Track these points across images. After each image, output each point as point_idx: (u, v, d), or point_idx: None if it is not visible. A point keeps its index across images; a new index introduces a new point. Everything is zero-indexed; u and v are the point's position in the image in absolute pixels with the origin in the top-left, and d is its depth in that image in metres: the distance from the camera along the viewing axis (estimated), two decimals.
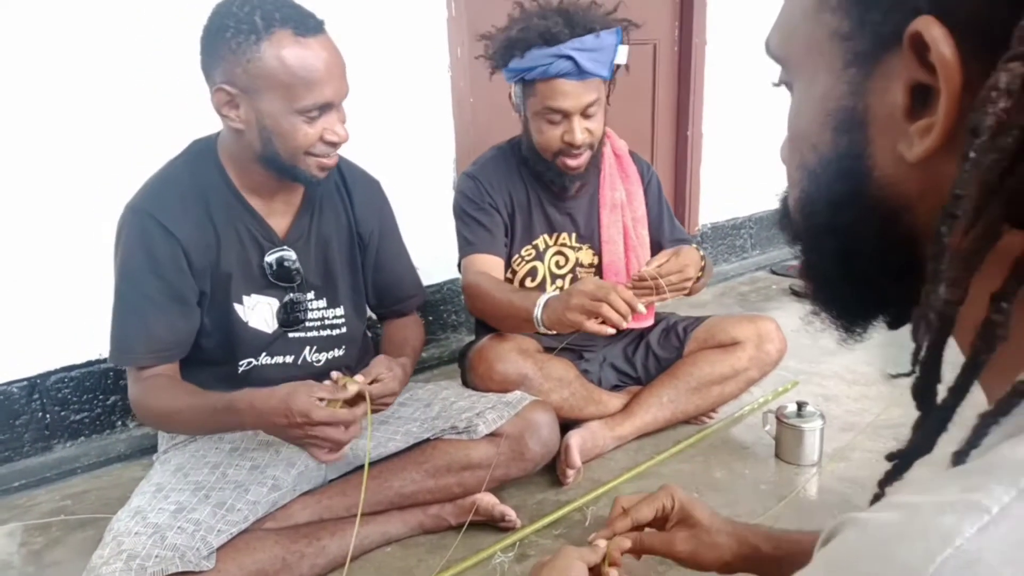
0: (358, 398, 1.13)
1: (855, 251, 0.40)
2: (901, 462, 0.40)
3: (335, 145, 1.18)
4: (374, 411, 1.14)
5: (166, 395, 1.19)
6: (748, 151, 3.17)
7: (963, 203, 0.31)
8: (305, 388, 1.08)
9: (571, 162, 1.52)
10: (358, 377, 1.14)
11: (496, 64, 1.54)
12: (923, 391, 0.36)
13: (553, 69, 1.43)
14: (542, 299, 1.38)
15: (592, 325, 1.29)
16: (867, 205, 0.38)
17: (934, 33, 0.32)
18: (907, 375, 0.37)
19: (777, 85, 0.45)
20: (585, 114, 1.49)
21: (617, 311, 1.26)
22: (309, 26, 1.11)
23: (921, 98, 0.34)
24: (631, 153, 1.74)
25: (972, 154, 0.30)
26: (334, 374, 1.16)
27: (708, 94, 2.99)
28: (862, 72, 0.36)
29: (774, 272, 3.19)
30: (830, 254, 0.42)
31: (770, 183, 2.61)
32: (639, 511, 0.90)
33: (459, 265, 1.63)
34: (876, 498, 0.38)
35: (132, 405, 1.25)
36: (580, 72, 1.43)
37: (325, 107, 1.15)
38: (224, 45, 1.10)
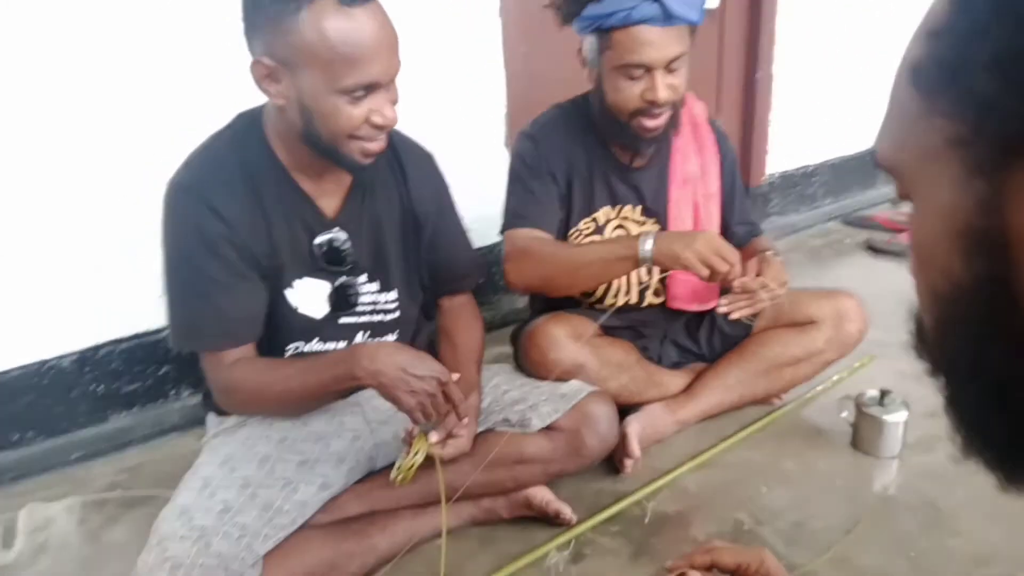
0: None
1: (1008, 396, 0.33)
2: None
3: (382, 128, 1.07)
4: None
5: (263, 369, 1.15)
6: (824, 92, 2.92)
7: None
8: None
9: (649, 123, 1.36)
10: (432, 436, 1.11)
11: (568, 12, 1.36)
12: None
13: (637, 14, 1.26)
14: (647, 238, 1.30)
15: (702, 271, 1.25)
16: (1018, 342, 0.32)
17: None
18: None
19: (897, 201, 0.38)
20: (669, 68, 1.32)
21: (727, 274, 1.26)
22: None
23: None
24: (710, 121, 1.57)
25: None
26: (409, 425, 1.12)
27: (781, 30, 2.73)
28: (991, 184, 0.30)
29: (847, 223, 2.98)
30: (976, 399, 0.36)
31: (846, 125, 2.38)
32: (722, 555, 0.84)
33: (501, 232, 1.52)
34: None
35: (221, 393, 1.19)
36: (667, 17, 1.26)
37: (371, 87, 1.03)
38: (263, 13, 0.99)
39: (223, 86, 1.53)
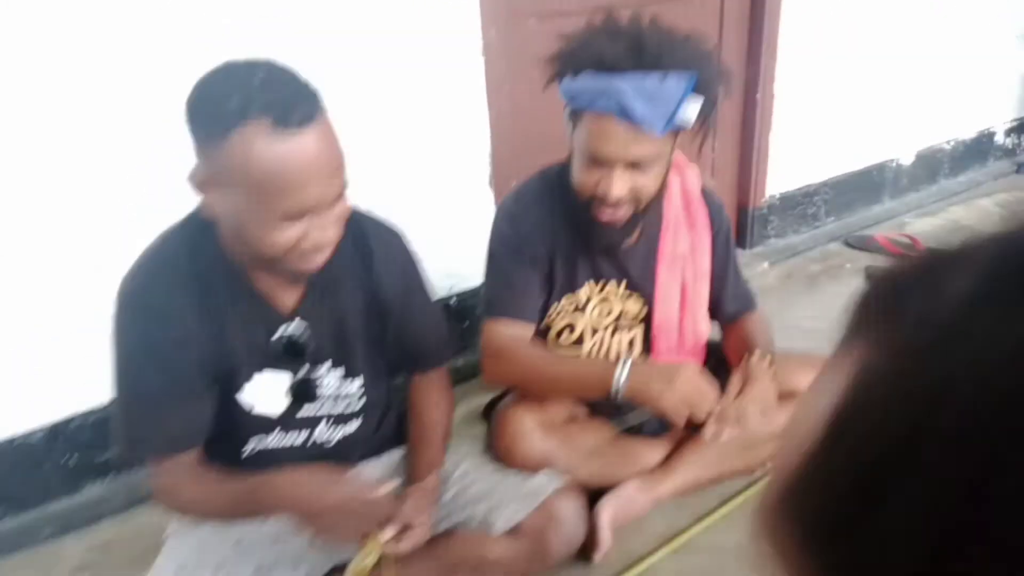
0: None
1: None
2: None
3: (317, 252, 1.02)
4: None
5: (196, 484, 1.13)
6: (826, 109, 2.81)
7: None
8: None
9: (604, 215, 1.28)
10: (386, 533, 1.08)
11: (549, 75, 1.28)
12: None
13: (599, 104, 1.17)
14: (623, 368, 1.25)
15: (680, 421, 1.25)
16: None
17: None
18: None
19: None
20: (634, 164, 1.22)
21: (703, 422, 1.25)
22: (293, 118, 0.91)
23: None
24: (703, 191, 1.47)
25: None
26: None
27: (783, 45, 2.61)
28: None
29: (848, 244, 2.89)
30: None
31: (849, 143, 2.21)
32: None
33: (481, 315, 1.47)
34: None
35: (158, 496, 1.19)
36: (625, 116, 1.17)
37: (307, 212, 0.98)
38: (196, 125, 0.94)
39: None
